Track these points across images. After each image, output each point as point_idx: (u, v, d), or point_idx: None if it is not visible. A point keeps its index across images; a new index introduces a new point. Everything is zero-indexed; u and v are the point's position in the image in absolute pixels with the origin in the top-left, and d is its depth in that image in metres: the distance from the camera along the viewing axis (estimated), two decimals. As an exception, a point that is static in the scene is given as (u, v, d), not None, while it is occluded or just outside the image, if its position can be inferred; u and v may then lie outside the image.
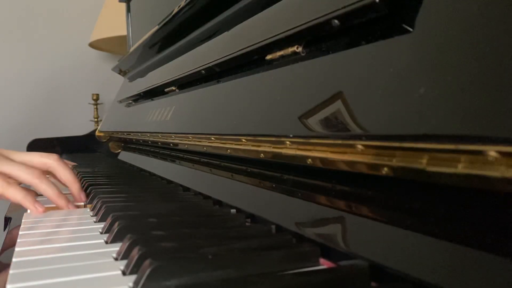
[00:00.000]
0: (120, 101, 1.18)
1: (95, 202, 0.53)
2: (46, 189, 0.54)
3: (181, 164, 0.70)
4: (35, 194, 0.58)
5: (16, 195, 0.52)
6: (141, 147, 1.02)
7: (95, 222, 0.47)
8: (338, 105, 0.31)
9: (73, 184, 0.59)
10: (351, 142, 0.28)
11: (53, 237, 0.41)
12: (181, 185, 0.65)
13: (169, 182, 0.71)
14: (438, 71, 0.23)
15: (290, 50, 0.39)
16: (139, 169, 0.92)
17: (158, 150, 0.88)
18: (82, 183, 0.72)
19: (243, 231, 0.38)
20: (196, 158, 0.65)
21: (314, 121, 0.33)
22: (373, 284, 0.27)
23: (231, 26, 0.57)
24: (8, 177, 0.54)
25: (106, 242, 0.38)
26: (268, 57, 0.44)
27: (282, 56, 0.41)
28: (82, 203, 0.59)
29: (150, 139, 0.80)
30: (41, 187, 0.55)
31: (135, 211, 0.46)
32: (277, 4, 0.45)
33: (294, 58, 0.39)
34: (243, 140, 0.42)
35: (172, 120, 0.69)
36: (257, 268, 0.29)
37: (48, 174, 0.61)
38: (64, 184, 0.60)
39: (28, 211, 0.54)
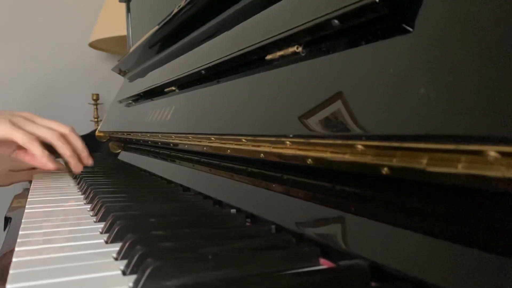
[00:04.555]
0: (120, 101, 1.18)
1: (95, 202, 0.53)
2: (64, 148, 0.70)
3: (181, 164, 0.70)
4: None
5: (36, 150, 0.65)
6: (141, 147, 1.02)
7: (95, 222, 0.47)
8: (338, 105, 0.31)
9: (83, 151, 0.75)
10: (351, 142, 0.28)
11: (53, 237, 0.41)
12: (181, 185, 0.65)
13: (169, 182, 0.71)
14: (438, 71, 0.24)
15: (290, 50, 0.39)
16: (139, 169, 0.92)
17: (158, 150, 0.88)
18: (82, 183, 0.72)
19: (243, 231, 0.38)
20: (196, 158, 0.65)
21: (314, 121, 0.33)
22: (373, 284, 0.27)
23: (231, 26, 0.57)
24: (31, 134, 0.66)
25: (106, 242, 0.38)
26: (268, 57, 0.44)
27: (282, 56, 0.41)
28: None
29: (150, 139, 0.80)
30: (60, 145, 0.69)
31: (135, 211, 0.46)
32: (277, 4, 0.45)
33: (294, 58, 0.39)
34: (243, 140, 0.42)
35: (172, 120, 0.69)
36: (257, 268, 0.29)
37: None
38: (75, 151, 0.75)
39: (27, 210, 0.54)
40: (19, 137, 0.64)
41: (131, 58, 1.18)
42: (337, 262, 0.30)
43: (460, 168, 0.21)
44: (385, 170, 0.26)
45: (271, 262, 0.29)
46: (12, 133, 0.64)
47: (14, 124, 0.65)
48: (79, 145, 0.74)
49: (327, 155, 0.31)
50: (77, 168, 0.73)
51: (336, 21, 0.32)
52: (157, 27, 0.89)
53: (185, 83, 0.72)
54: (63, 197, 0.66)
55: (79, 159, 0.75)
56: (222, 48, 0.56)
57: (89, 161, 0.77)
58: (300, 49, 0.38)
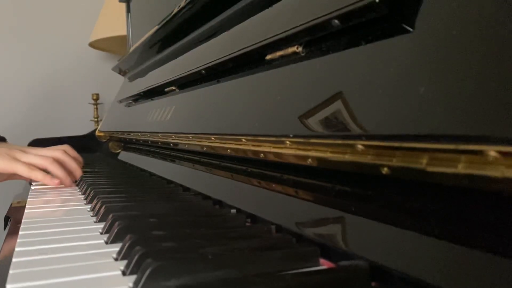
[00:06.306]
0: (120, 101, 1.18)
1: (95, 202, 0.53)
2: (57, 172, 0.74)
3: (181, 164, 0.70)
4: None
5: (38, 176, 0.72)
6: (141, 147, 1.02)
7: (95, 222, 0.47)
8: (338, 105, 0.31)
9: (76, 170, 0.80)
10: (351, 142, 0.28)
11: (52, 237, 0.41)
12: (181, 185, 0.65)
13: (169, 182, 0.71)
14: (438, 71, 0.23)
15: (290, 50, 0.39)
16: (139, 169, 0.92)
17: (158, 150, 0.88)
18: (82, 183, 0.72)
19: (243, 231, 0.38)
20: (196, 158, 0.65)
21: (314, 121, 0.33)
22: (373, 284, 0.27)
23: (231, 26, 0.57)
24: (30, 165, 0.73)
25: (106, 242, 0.38)
26: (268, 57, 0.44)
27: (282, 56, 0.41)
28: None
29: (150, 139, 0.80)
30: (54, 170, 0.74)
31: (135, 211, 0.46)
32: (277, 4, 0.45)
33: (294, 58, 0.39)
34: (243, 140, 0.42)
35: (172, 120, 0.69)
36: (257, 268, 0.28)
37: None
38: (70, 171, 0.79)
39: (27, 210, 0.54)
40: (21, 169, 0.71)
41: (131, 58, 1.18)
42: (337, 262, 0.30)
43: (460, 168, 0.21)
44: (385, 170, 0.26)
45: (271, 262, 0.29)
46: (13, 166, 0.71)
47: (13, 157, 0.72)
48: (73, 165, 0.79)
49: (327, 155, 0.31)
50: (69, 185, 0.78)
51: (336, 21, 0.32)
52: (157, 27, 0.89)
53: (185, 83, 0.72)
54: (63, 197, 0.66)
55: (72, 175, 0.79)
56: (222, 48, 0.56)
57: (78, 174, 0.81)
58: (300, 49, 0.38)
